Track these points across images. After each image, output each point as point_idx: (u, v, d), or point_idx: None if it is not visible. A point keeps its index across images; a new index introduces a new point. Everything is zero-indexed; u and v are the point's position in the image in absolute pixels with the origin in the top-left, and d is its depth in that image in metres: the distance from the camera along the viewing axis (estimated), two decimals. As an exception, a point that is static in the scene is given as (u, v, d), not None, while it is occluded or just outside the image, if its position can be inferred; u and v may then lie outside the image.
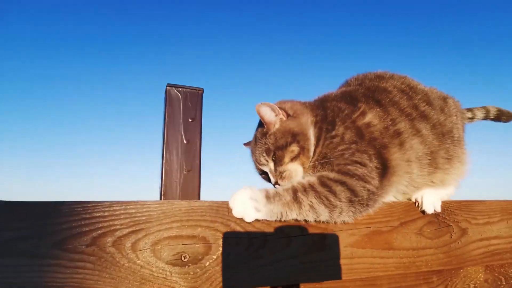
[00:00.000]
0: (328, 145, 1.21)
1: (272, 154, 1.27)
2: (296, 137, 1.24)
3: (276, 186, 1.26)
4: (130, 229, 0.92)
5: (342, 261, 1.13)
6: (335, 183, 1.08)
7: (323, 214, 1.06)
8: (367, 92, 1.36)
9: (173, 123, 1.15)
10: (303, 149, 1.23)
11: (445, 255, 1.32)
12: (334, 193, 1.06)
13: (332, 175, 1.11)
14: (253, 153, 1.39)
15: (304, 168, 1.24)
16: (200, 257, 0.97)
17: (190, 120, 1.18)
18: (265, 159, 1.30)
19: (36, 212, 0.85)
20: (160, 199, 1.07)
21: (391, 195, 1.27)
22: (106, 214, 0.91)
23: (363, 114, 1.27)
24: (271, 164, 1.29)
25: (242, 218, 1.01)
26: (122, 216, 0.92)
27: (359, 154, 1.16)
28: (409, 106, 1.31)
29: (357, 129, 1.23)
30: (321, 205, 1.04)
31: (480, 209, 1.45)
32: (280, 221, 1.07)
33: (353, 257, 1.15)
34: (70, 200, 0.90)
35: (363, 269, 1.16)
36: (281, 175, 1.25)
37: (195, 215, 0.99)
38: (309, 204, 1.04)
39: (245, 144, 1.53)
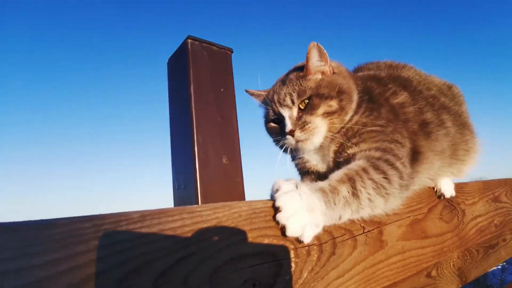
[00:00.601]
0: (368, 116, 1.09)
1: (305, 98, 1.09)
2: (340, 94, 1.09)
3: (288, 136, 1.08)
4: (178, 255, 0.56)
5: (397, 258, 1.00)
6: (386, 165, 0.94)
7: (379, 206, 0.90)
8: (390, 77, 1.31)
9: (201, 91, 0.79)
10: (341, 110, 1.08)
11: (457, 238, 1.34)
12: (389, 180, 0.92)
13: (377, 154, 0.97)
14: (275, 92, 1.17)
15: (329, 130, 1.09)
16: (272, 281, 0.68)
17: (222, 90, 0.84)
18: (291, 100, 1.11)
19: (11, 244, 0.41)
20: (197, 202, 0.71)
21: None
22: (136, 234, 0.52)
23: (395, 93, 1.22)
24: (295, 110, 1.11)
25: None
26: (163, 235, 0.55)
27: (397, 134, 1.06)
28: (431, 97, 1.30)
29: (391, 107, 1.15)
30: (378, 196, 0.88)
31: (468, 190, 1.55)
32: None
33: (404, 252, 1.03)
34: (65, 216, 0.49)
35: (414, 263, 1.05)
36: (304, 126, 1.07)
37: (258, 221, 0.69)
38: (367, 198, 0.86)
39: (250, 91, 1.27)
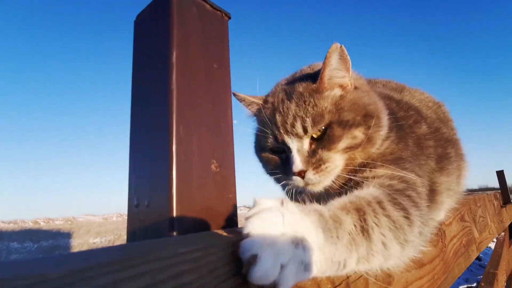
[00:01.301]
0: (397, 143, 0.88)
1: (323, 126, 0.82)
2: (368, 120, 0.83)
3: (295, 177, 0.82)
4: None
5: (402, 294, 0.84)
6: (409, 202, 0.72)
7: (394, 256, 0.65)
8: (406, 103, 1.12)
9: (188, 62, 0.54)
10: (368, 141, 0.83)
11: (443, 263, 1.25)
12: (410, 221, 0.68)
13: (400, 185, 0.76)
14: (277, 110, 0.87)
15: (345, 166, 0.85)
16: None
17: (215, 66, 0.59)
18: (303, 127, 0.82)
19: None
20: (170, 230, 0.45)
21: None
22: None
23: (418, 122, 1.03)
24: (306, 141, 0.83)
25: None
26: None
27: (421, 171, 0.89)
28: (437, 129, 1.14)
29: (417, 138, 0.97)
30: (394, 242, 0.64)
31: (445, 210, 1.49)
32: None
33: (407, 286, 0.88)
34: None
35: (415, 298, 0.91)
36: (319, 166, 0.80)
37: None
38: (381, 241, 0.61)
39: (239, 96, 0.98)
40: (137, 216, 0.51)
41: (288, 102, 0.86)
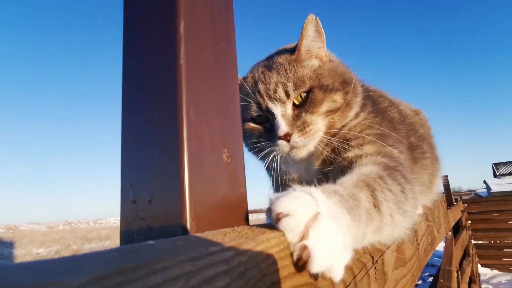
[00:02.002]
0: (375, 117, 0.93)
1: (304, 90, 0.86)
2: (346, 86, 0.89)
3: (280, 142, 0.84)
4: None
5: (394, 292, 0.84)
6: (401, 177, 0.77)
7: (398, 225, 0.69)
8: (377, 92, 1.19)
9: (197, 40, 0.47)
10: (346, 105, 0.89)
11: (418, 260, 1.29)
12: (406, 195, 0.73)
13: (392, 163, 0.80)
14: (260, 80, 0.90)
15: (326, 132, 0.89)
16: None
17: (223, 45, 0.53)
18: (286, 92, 0.86)
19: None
20: (184, 227, 0.38)
21: None
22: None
23: (390, 106, 1.10)
24: (289, 106, 0.87)
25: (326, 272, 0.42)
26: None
27: (402, 147, 0.93)
28: (412, 123, 1.23)
29: (391, 118, 1.02)
30: (397, 213, 0.68)
31: (416, 210, 1.57)
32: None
33: (397, 283, 0.89)
34: None
35: (404, 296, 0.91)
36: (304, 128, 0.84)
37: (289, 263, 0.41)
38: (389, 214, 0.66)
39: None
40: (135, 214, 0.43)
41: (269, 72, 0.90)
